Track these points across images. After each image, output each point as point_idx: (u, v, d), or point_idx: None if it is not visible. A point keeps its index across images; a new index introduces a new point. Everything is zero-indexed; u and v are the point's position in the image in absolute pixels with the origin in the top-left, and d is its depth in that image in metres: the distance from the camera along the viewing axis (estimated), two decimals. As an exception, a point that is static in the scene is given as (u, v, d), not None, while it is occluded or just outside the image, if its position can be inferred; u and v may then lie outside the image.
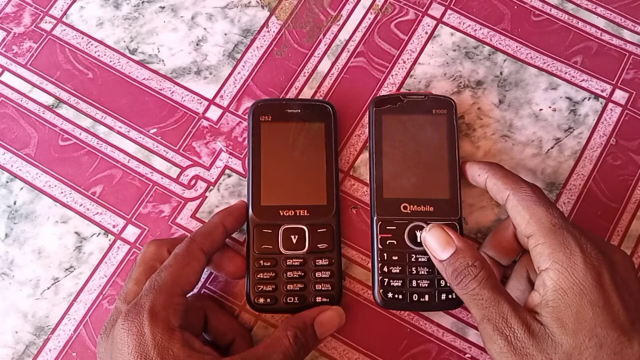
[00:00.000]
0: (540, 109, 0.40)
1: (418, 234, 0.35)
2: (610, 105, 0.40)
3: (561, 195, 0.38)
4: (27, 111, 0.40)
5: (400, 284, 0.34)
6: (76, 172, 0.39)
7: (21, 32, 0.42)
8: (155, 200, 0.38)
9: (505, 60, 0.41)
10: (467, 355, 0.36)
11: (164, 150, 0.39)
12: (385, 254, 0.35)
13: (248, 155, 0.37)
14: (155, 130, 0.40)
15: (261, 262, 0.35)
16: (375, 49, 0.41)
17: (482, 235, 0.37)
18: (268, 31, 0.42)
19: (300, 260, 0.35)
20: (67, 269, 0.37)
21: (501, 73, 0.41)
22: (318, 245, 0.35)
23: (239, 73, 0.41)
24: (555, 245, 0.29)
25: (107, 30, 0.42)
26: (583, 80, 0.41)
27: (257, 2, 0.43)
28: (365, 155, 0.39)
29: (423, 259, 0.35)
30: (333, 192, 0.36)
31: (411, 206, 0.36)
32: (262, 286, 0.34)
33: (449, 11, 0.42)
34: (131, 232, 0.38)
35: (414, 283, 0.34)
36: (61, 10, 0.43)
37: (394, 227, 0.35)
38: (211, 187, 0.39)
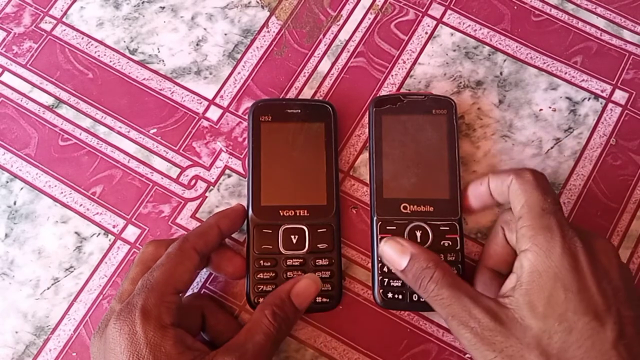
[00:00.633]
0: (540, 109, 0.40)
1: (418, 234, 0.35)
2: (610, 105, 0.40)
3: (561, 195, 0.38)
4: (27, 111, 0.40)
5: (400, 284, 0.34)
6: (76, 172, 0.39)
7: (21, 32, 0.42)
8: (155, 201, 0.38)
9: (505, 61, 0.41)
10: (467, 355, 0.36)
11: (164, 151, 0.39)
12: (385, 254, 0.35)
13: (248, 156, 0.37)
14: (155, 130, 0.40)
15: (261, 262, 0.35)
16: (375, 49, 0.41)
17: (482, 235, 0.38)
18: (268, 31, 0.42)
19: (300, 261, 0.35)
20: (67, 269, 0.37)
21: (501, 73, 0.41)
22: (318, 245, 0.35)
23: (239, 73, 0.41)
24: (538, 228, 0.29)
25: (107, 30, 0.42)
26: (583, 80, 0.41)
27: (257, 2, 0.43)
28: (365, 155, 0.39)
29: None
30: (333, 192, 0.36)
31: (411, 206, 0.36)
32: (262, 286, 0.34)
33: (449, 11, 0.42)
34: (131, 232, 0.38)
35: (414, 283, 0.34)
36: (61, 11, 0.43)
37: (394, 227, 0.35)
38: (211, 187, 0.39)
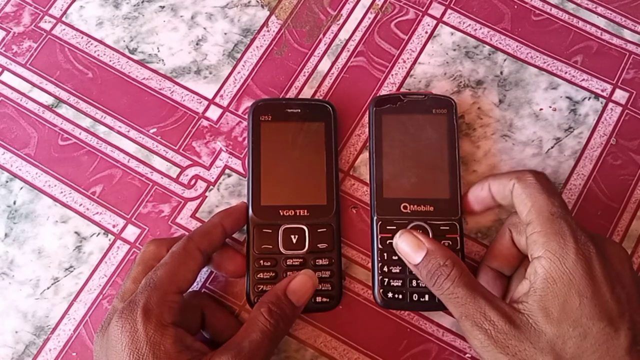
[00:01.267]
0: (541, 109, 0.40)
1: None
2: (610, 105, 0.40)
3: (561, 195, 0.38)
4: (26, 111, 0.40)
5: (400, 284, 0.34)
6: (76, 172, 0.39)
7: (21, 32, 0.42)
8: (155, 200, 0.38)
9: (505, 60, 0.41)
10: (467, 355, 0.36)
11: (164, 150, 0.39)
12: (385, 254, 0.35)
13: (248, 155, 0.37)
14: (155, 130, 0.40)
15: (261, 261, 0.35)
16: (375, 49, 0.41)
17: (482, 235, 0.37)
18: (268, 31, 0.42)
19: (300, 260, 0.35)
20: (67, 269, 0.37)
21: (501, 73, 0.41)
22: (318, 245, 0.35)
23: (238, 73, 0.41)
24: (550, 234, 0.29)
25: (106, 29, 0.42)
26: (583, 79, 0.41)
27: (257, 1, 0.43)
28: (365, 155, 0.39)
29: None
30: (333, 192, 0.36)
31: (411, 206, 0.36)
32: (262, 286, 0.34)
33: (449, 11, 0.42)
34: (131, 232, 0.38)
35: (414, 283, 0.34)
36: (61, 10, 0.42)
37: (394, 227, 0.35)
38: (211, 186, 0.39)
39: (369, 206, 0.38)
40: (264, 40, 0.42)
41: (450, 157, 0.37)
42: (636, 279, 0.29)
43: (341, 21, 0.42)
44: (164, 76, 0.41)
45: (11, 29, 0.42)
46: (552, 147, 0.39)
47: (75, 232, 0.38)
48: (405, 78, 0.41)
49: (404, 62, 0.41)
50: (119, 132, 0.40)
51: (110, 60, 0.41)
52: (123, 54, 0.41)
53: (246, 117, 0.40)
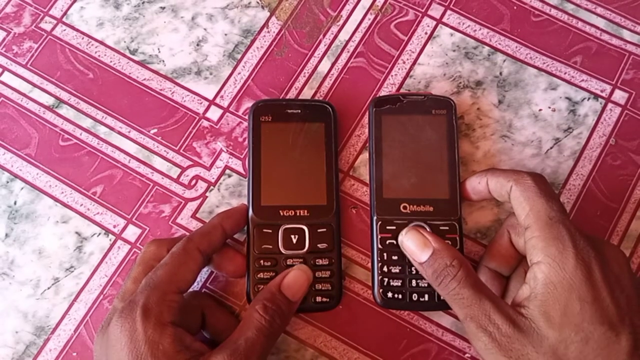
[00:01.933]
0: (540, 109, 0.40)
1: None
2: (609, 105, 0.40)
3: (561, 195, 0.38)
4: (27, 111, 0.40)
5: (400, 284, 0.35)
6: (77, 172, 0.39)
7: (21, 32, 0.42)
8: (156, 200, 0.38)
9: (504, 61, 0.41)
10: (467, 354, 0.36)
11: (165, 151, 0.39)
12: (385, 254, 0.35)
13: (248, 156, 0.37)
14: (155, 130, 0.40)
15: (261, 262, 0.35)
16: (375, 50, 0.41)
17: (482, 235, 0.38)
18: (268, 31, 0.42)
19: (300, 260, 0.35)
20: (67, 269, 0.37)
21: (501, 73, 0.41)
22: (318, 245, 0.35)
23: (239, 73, 0.41)
24: (549, 239, 0.29)
25: (107, 30, 0.42)
26: (583, 80, 0.41)
27: (257, 2, 0.43)
28: (365, 155, 0.39)
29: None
30: (333, 192, 0.36)
31: (411, 206, 0.36)
32: (262, 286, 0.34)
33: (448, 11, 0.42)
34: (131, 232, 0.38)
35: (414, 283, 0.34)
36: (61, 11, 0.43)
37: (394, 227, 0.35)
38: (211, 187, 0.39)
39: (368, 206, 0.38)
40: (264, 41, 0.42)
41: (450, 157, 0.37)
42: (635, 282, 0.29)
43: (341, 22, 0.42)
44: (164, 77, 0.41)
45: (12, 29, 0.42)
46: (551, 148, 0.39)
47: (76, 233, 0.38)
48: (404, 79, 0.41)
49: (404, 62, 0.41)
50: (119, 133, 0.40)
51: (111, 61, 0.41)
52: (124, 55, 0.41)
53: (246, 117, 0.40)
